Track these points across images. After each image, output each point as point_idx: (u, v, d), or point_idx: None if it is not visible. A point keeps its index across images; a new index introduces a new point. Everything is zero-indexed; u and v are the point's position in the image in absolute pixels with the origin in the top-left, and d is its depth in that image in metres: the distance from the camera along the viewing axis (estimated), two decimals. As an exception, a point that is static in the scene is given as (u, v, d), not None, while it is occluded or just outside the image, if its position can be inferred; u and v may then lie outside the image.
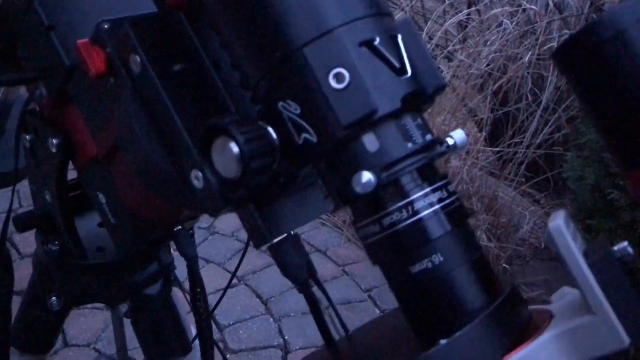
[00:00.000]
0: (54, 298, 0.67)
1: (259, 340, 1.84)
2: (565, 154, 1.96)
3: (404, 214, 0.34)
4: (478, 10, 2.56)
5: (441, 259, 0.34)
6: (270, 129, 0.37)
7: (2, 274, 0.65)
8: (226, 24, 0.38)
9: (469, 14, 2.53)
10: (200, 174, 0.42)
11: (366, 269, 2.16)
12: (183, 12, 0.45)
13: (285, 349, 1.82)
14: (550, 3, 2.28)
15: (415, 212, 0.34)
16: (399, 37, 0.36)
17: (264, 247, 0.45)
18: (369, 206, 0.35)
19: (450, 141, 0.38)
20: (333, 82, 0.33)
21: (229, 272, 2.10)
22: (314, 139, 0.35)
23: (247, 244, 0.77)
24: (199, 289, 0.60)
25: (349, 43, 0.34)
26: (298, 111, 0.35)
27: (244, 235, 2.12)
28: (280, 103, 0.36)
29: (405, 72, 0.35)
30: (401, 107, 0.34)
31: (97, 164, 0.55)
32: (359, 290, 2.08)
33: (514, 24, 2.26)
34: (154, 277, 0.67)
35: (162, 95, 0.43)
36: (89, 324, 1.87)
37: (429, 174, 0.35)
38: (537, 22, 2.39)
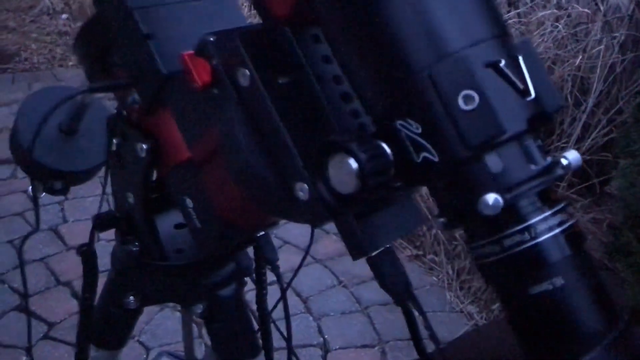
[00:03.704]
0: (131, 297, 0.69)
1: (299, 338, 1.85)
2: (612, 160, 1.93)
3: (526, 236, 0.34)
4: (518, 13, 2.53)
5: (562, 281, 0.34)
6: (385, 147, 0.37)
7: (89, 271, 0.67)
8: (347, 41, 0.38)
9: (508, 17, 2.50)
10: (305, 186, 0.43)
11: (407, 270, 2.15)
12: (288, 25, 0.46)
13: (325, 348, 1.83)
14: (601, 7, 2.25)
15: (537, 235, 0.34)
16: (520, 58, 0.36)
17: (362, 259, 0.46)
18: (489, 227, 0.36)
19: (564, 162, 0.38)
20: (462, 104, 0.34)
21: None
22: (435, 159, 0.35)
23: (307, 251, 0.78)
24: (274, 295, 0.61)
25: (476, 65, 0.34)
26: (419, 130, 0.35)
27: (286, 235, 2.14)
28: (399, 122, 0.36)
29: (529, 93, 0.35)
30: (526, 128, 0.35)
31: (187, 169, 0.56)
32: (397, 291, 2.08)
33: (560, 26, 2.23)
34: (229, 279, 0.68)
35: (270, 108, 0.44)
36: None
37: (548, 196, 0.36)
38: (578, 23, 2.36)
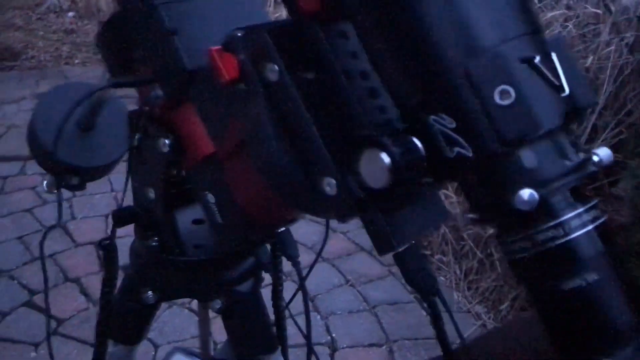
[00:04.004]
0: (149, 292, 0.69)
1: (307, 337, 1.85)
2: (620, 161, 1.93)
3: (560, 231, 0.34)
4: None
5: (595, 277, 0.34)
6: (417, 142, 0.37)
7: (110, 266, 0.67)
8: (379, 36, 0.38)
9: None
10: (333, 181, 0.43)
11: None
12: (316, 21, 0.46)
13: (333, 347, 1.84)
14: (612, 7, 2.24)
15: (571, 231, 0.34)
16: (553, 54, 0.36)
17: (389, 255, 0.46)
18: (522, 222, 0.36)
19: (595, 158, 0.39)
20: (498, 99, 0.34)
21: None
22: (469, 154, 0.35)
23: (320, 252, 0.78)
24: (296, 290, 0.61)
25: (512, 60, 0.34)
26: (453, 125, 0.35)
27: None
28: (432, 117, 0.36)
29: (563, 89, 0.35)
30: (560, 124, 0.35)
31: (209, 164, 0.57)
32: (404, 291, 2.08)
33: (570, 26, 2.23)
34: (247, 275, 0.68)
35: (298, 103, 0.44)
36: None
37: (580, 192, 0.36)
38: (587, 24, 2.35)
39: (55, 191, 1.04)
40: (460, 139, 0.35)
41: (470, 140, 0.35)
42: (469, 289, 2.08)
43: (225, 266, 0.67)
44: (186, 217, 0.69)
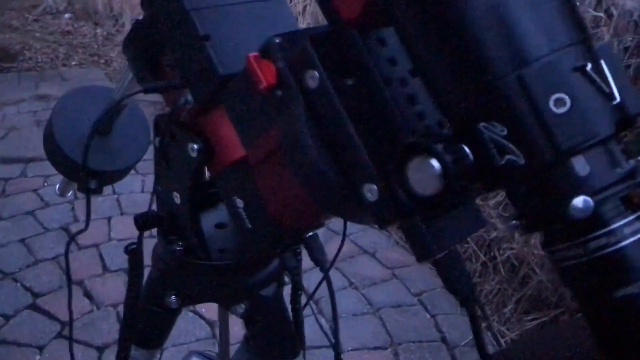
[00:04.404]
0: (172, 297, 0.69)
1: (312, 339, 1.84)
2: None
3: (611, 239, 0.35)
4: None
5: None
6: (466, 149, 0.37)
7: (135, 271, 0.67)
8: (427, 44, 0.39)
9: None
10: (374, 187, 0.43)
11: (416, 272, 2.16)
12: (355, 28, 0.46)
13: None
14: (614, 11, 2.25)
15: (622, 239, 0.35)
16: (602, 62, 0.36)
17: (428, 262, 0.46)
18: (573, 230, 0.36)
19: None
20: (553, 107, 0.34)
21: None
22: (521, 161, 0.35)
23: (335, 257, 0.78)
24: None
25: (566, 69, 0.34)
26: (504, 133, 0.36)
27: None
28: (482, 124, 0.37)
29: (614, 97, 0.35)
30: (613, 132, 0.35)
31: (239, 169, 0.57)
32: (408, 294, 2.09)
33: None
34: (271, 278, 0.68)
35: (339, 109, 0.44)
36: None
37: (631, 200, 0.36)
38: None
39: (68, 195, 1.04)
40: (512, 147, 0.35)
41: (523, 147, 0.35)
42: (472, 291, 2.08)
43: (250, 270, 0.67)
44: (210, 221, 0.69)
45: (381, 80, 0.46)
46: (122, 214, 2.30)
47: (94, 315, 1.88)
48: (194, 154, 0.59)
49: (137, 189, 2.43)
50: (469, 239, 2.17)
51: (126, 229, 2.21)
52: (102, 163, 0.83)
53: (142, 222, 0.69)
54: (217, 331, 2.07)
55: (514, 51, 0.35)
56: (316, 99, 0.45)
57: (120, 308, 1.93)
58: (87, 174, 0.79)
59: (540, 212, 0.37)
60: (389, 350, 1.85)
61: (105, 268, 2.06)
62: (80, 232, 0.72)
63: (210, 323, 1.88)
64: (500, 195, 2.31)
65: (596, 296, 0.36)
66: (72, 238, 0.77)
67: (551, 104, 0.34)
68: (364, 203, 0.44)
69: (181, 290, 0.69)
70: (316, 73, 0.44)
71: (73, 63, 4.11)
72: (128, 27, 4.22)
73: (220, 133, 0.58)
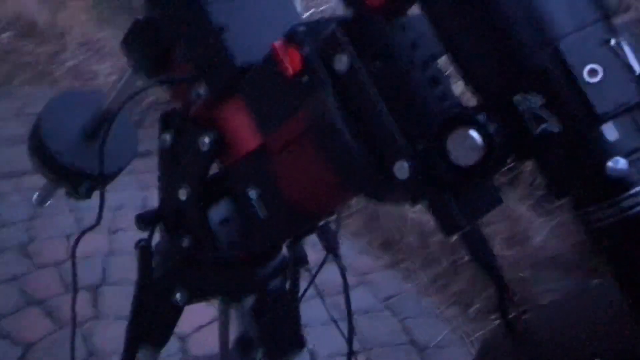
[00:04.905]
0: (179, 293, 0.69)
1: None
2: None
3: None
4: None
5: None
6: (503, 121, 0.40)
7: (145, 268, 0.66)
8: (459, 22, 0.41)
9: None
10: (406, 164, 0.45)
11: (382, 279, 2.19)
12: (380, 14, 0.48)
13: (312, 357, 1.84)
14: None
15: None
16: (623, 38, 0.40)
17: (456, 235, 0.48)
18: (607, 191, 0.39)
19: None
20: (587, 77, 0.37)
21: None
22: (556, 130, 0.38)
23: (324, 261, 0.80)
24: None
25: (596, 42, 0.38)
26: (541, 103, 0.38)
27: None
28: (516, 96, 0.39)
29: (635, 69, 0.39)
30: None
31: (256, 158, 0.58)
32: (376, 299, 2.11)
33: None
34: (279, 271, 0.69)
35: (370, 90, 0.46)
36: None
37: None
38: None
39: (46, 205, 1.02)
40: (549, 116, 0.38)
41: (560, 116, 0.38)
42: (438, 293, 2.13)
43: (261, 262, 0.67)
44: (214, 217, 0.69)
45: (407, 63, 0.48)
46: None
47: (58, 336, 1.82)
48: (205, 147, 0.60)
49: (95, 205, 2.37)
50: (431, 243, 2.22)
51: (87, 246, 2.15)
52: (91, 165, 0.83)
53: (143, 221, 0.69)
54: (187, 345, 2.04)
55: (549, 26, 0.38)
56: (346, 81, 0.47)
57: (86, 327, 1.88)
58: (73, 172, 0.78)
59: (575, 176, 0.39)
60: (362, 354, 1.86)
61: (67, 287, 2.00)
62: (92, 227, 0.71)
63: (181, 338, 1.85)
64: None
65: (631, 255, 0.39)
66: (81, 235, 0.75)
67: (585, 74, 0.37)
68: (395, 181, 0.46)
69: (189, 287, 0.69)
70: (345, 57, 0.46)
71: (18, 82, 3.99)
72: (74, 45, 4.12)
73: (233, 125, 0.59)
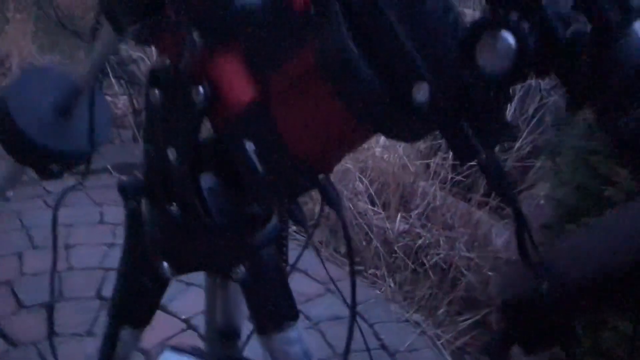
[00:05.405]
0: (165, 263, 0.65)
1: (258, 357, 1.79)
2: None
3: None
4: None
5: None
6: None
7: (133, 235, 0.62)
8: None
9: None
10: (426, 85, 0.44)
11: (349, 286, 2.16)
12: None
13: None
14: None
15: None
16: None
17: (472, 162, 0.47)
18: (635, 95, 0.38)
19: None
20: None
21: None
22: (587, 29, 0.38)
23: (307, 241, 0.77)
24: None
25: None
26: (571, 4, 0.38)
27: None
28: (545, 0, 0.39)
29: None
30: None
31: (253, 109, 0.55)
32: (343, 306, 2.07)
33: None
34: (271, 239, 0.66)
35: (385, 15, 0.45)
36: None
37: None
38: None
39: (8, 196, 0.96)
40: (580, 16, 0.38)
41: (591, 14, 0.37)
42: (405, 299, 2.12)
43: (253, 226, 0.64)
44: (204, 184, 0.66)
45: None
46: (34, 247, 2.14)
47: (10, 355, 1.72)
48: (198, 99, 0.57)
49: (47, 222, 2.27)
50: (396, 249, 2.21)
51: (39, 264, 2.05)
52: (63, 143, 0.78)
53: (125, 188, 0.65)
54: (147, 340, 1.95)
55: None
56: (359, 8, 0.45)
57: (41, 345, 1.77)
58: (34, 150, 0.73)
59: (604, 80, 0.39)
60: (333, 360, 1.83)
61: (19, 304, 1.90)
62: (74, 187, 0.66)
63: (145, 352, 1.77)
64: (421, 207, 2.38)
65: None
66: (65, 192, 0.70)
67: None
68: (414, 105, 0.44)
69: (175, 257, 0.65)
70: None
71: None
72: (16, 70, 4.00)
73: (227, 76, 0.57)
